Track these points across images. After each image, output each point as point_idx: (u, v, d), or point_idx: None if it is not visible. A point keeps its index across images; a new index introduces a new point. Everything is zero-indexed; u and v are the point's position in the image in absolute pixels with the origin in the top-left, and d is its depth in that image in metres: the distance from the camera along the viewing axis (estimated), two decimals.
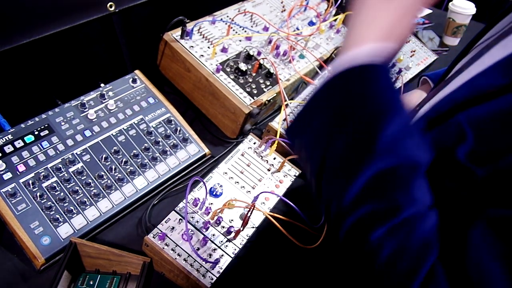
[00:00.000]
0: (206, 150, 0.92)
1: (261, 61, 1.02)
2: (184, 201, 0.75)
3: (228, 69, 0.97)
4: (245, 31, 1.08)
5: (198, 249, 0.72)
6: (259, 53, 1.03)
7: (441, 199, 0.45)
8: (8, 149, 0.76)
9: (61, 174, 0.76)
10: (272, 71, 1.01)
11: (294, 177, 0.90)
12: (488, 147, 0.42)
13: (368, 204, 0.42)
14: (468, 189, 0.44)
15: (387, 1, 0.45)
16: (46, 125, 0.81)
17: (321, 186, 0.45)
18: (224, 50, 1.00)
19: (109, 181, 0.78)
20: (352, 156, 0.42)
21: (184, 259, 0.70)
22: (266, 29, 1.11)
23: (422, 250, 0.41)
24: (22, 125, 0.80)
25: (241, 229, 0.75)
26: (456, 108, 0.48)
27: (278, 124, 0.92)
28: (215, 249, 0.73)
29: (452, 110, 0.48)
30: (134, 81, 0.94)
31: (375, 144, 0.40)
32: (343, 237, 0.44)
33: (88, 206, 0.75)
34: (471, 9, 1.45)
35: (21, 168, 0.75)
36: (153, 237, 0.70)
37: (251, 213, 0.74)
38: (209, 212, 0.77)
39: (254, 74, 0.99)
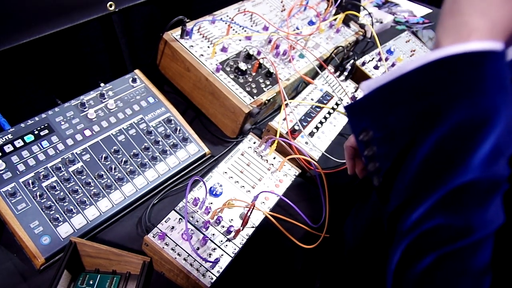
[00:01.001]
0: (206, 150, 0.92)
1: (261, 61, 1.02)
2: (184, 200, 0.75)
3: (228, 69, 0.97)
4: (245, 31, 1.08)
5: (198, 248, 0.72)
6: (259, 53, 1.03)
7: None
8: (8, 148, 0.76)
9: (61, 174, 0.76)
10: (272, 70, 1.01)
11: (294, 177, 0.90)
12: None
13: (441, 218, 0.37)
14: None
15: None
16: (46, 125, 0.81)
17: (390, 187, 0.41)
18: (224, 49, 1.00)
19: (109, 181, 0.78)
20: (439, 161, 0.37)
21: (184, 259, 0.70)
22: (266, 28, 1.11)
23: (482, 275, 0.38)
24: (22, 125, 0.80)
25: (241, 228, 0.75)
26: None
27: (278, 123, 0.92)
28: (215, 249, 0.73)
29: None
30: (134, 80, 0.94)
31: (471, 156, 0.36)
32: (402, 251, 0.40)
33: (88, 206, 0.75)
34: None
35: (21, 167, 0.75)
36: (153, 236, 0.70)
37: (251, 213, 0.74)
38: (209, 212, 0.77)
39: (254, 74, 0.99)
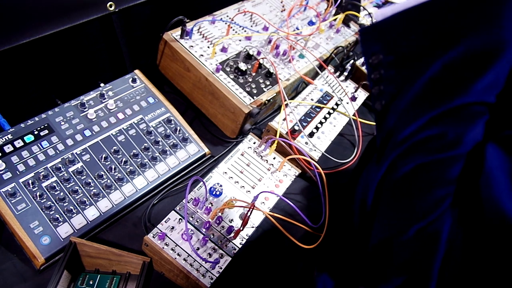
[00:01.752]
0: (206, 150, 0.92)
1: (261, 61, 1.02)
2: (184, 200, 0.75)
3: (228, 69, 0.97)
4: (245, 31, 1.08)
5: (198, 248, 0.72)
6: (258, 53, 1.03)
7: None
8: (8, 148, 0.76)
9: (61, 174, 0.76)
10: (271, 70, 1.01)
11: (294, 177, 0.90)
12: None
13: (435, 129, 0.41)
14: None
15: None
16: (45, 125, 0.81)
17: (391, 105, 0.45)
18: (223, 49, 1.00)
19: (109, 181, 0.78)
20: (445, 83, 0.41)
21: (184, 259, 0.70)
22: (265, 28, 1.11)
23: (450, 186, 0.41)
24: (22, 125, 0.80)
25: (241, 228, 0.75)
26: None
27: (278, 123, 0.92)
28: (215, 249, 0.73)
29: None
30: (133, 80, 0.94)
31: (476, 82, 0.40)
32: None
33: (88, 206, 0.75)
34: None
35: (21, 167, 0.75)
36: (153, 236, 0.70)
37: (251, 213, 0.74)
38: (209, 212, 0.77)
39: (253, 74, 0.99)
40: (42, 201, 0.72)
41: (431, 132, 0.41)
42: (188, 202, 0.77)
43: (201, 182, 0.79)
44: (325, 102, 1.05)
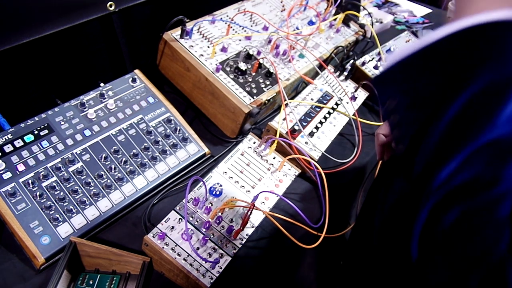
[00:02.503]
0: (206, 150, 0.92)
1: (261, 61, 1.02)
2: (184, 200, 0.75)
3: (228, 69, 0.97)
4: (245, 31, 1.08)
5: (198, 248, 0.72)
6: (258, 53, 1.03)
7: None
8: (8, 148, 0.76)
9: (61, 174, 0.76)
10: (271, 70, 1.01)
11: (294, 177, 0.90)
12: None
13: (470, 172, 0.39)
14: None
15: None
16: (45, 125, 0.81)
17: (416, 152, 0.43)
18: (223, 49, 1.00)
19: (108, 181, 0.78)
20: (468, 121, 0.40)
21: (184, 259, 0.70)
22: (265, 28, 1.11)
23: (504, 226, 0.40)
24: (22, 125, 0.80)
25: (241, 228, 0.75)
26: None
27: (278, 123, 0.92)
28: (215, 249, 0.73)
29: None
30: (133, 80, 0.94)
31: (498, 114, 0.38)
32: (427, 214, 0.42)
33: (88, 206, 0.75)
34: None
35: (21, 167, 0.75)
36: (153, 236, 0.70)
37: (251, 213, 0.74)
38: (209, 212, 0.77)
39: (253, 74, 0.99)
40: (42, 201, 0.72)
41: (465, 175, 0.40)
42: (188, 202, 0.77)
43: (201, 182, 0.79)
44: (325, 102, 1.05)
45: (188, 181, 0.70)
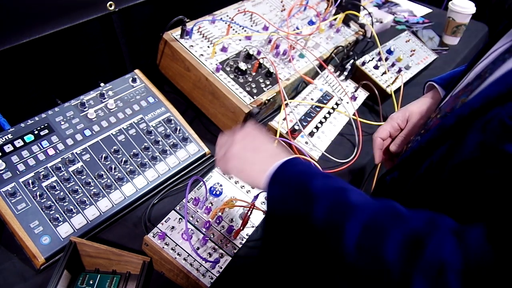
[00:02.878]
0: (206, 150, 0.92)
1: (261, 61, 1.02)
2: (184, 200, 0.75)
3: (228, 69, 0.97)
4: (245, 31, 1.08)
5: (198, 248, 0.72)
6: (259, 53, 1.03)
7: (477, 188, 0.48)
8: (8, 148, 0.76)
9: (61, 174, 0.76)
10: (272, 70, 1.01)
11: None
12: None
13: None
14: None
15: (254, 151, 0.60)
16: (45, 125, 0.81)
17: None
18: (224, 49, 1.00)
19: (109, 181, 0.78)
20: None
21: (184, 259, 0.69)
22: (266, 28, 1.11)
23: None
24: (22, 125, 0.80)
25: (241, 228, 0.75)
26: (491, 104, 0.49)
27: (278, 123, 0.92)
28: (215, 249, 0.73)
29: (487, 106, 0.50)
30: (134, 80, 0.94)
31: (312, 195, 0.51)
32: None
33: (88, 206, 0.75)
34: (471, 8, 1.45)
35: (21, 167, 0.75)
36: (153, 236, 0.70)
37: (251, 213, 0.74)
38: (209, 212, 0.77)
39: (254, 74, 0.99)
40: (42, 201, 0.72)
41: None
42: (188, 202, 0.77)
43: (201, 182, 0.79)
44: (325, 101, 1.05)
45: (188, 181, 0.70)
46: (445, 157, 0.55)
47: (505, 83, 0.50)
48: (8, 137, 0.77)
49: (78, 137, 0.82)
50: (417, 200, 0.61)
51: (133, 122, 0.88)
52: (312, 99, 1.04)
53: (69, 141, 0.81)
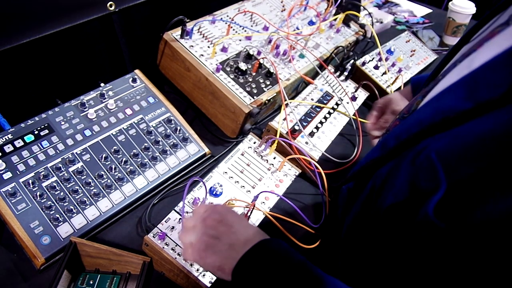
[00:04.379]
0: (206, 150, 0.92)
1: (261, 61, 1.02)
2: (181, 203, 0.75)
3: (228, 69, 0.97)
4: (245, 31, 1.08)
5: None
6: (259, 53, 1.03)
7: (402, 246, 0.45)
8: (8, 148, 0.76)
9: (61, 174, 0.76)
10: (272, 70, 1.01)
11: (294, 177, 0.90)
12: (459, 195, 0.39)
13: None
14: (429, 242, 0.42)
15: (214, 244, 0.54)
16: (46, 125, 0.81)
17: None
18: (224, 49, 1.00)
19: (109, 181, 0.78)
20: None
21: (184, 259, 0.69)
22: (266, 28, 1.11)
23: None
24: (22, 125, 0.80)
25: None
26: (423, 133, 0.46)
27: (278, 123, 0.92)
28: None
29: (420, 134, 0.46)
30: (134, 80, 0.94)
31: None
32: None
33: (88, 206, 0.75)
34: (471, 8, 1.45)
35: (21, 167, 0.75)
36: (153, 236, 0.70)
37: (251, 213, 0.74)
38: None
39: (254, 74, 0.99)
40: (42, 201, 0.72)
41: None
42: (188, 202, 0.77)
43: (201, 182, 0.79)
44: (325, 102, 1.05)
45: (187, 182, 0.70)
46: (382, 187, 0.52)
47: (437, 108, 0.46)
48: (8, 137, 0.77)
49: (78, 137, 0.82)
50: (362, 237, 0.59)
51: (133, 122, 0.88)
52: (312, 99, 1.04)
53: (69, 141, 0.81)
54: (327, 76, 1.11)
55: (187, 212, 0.75)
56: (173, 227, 0.73)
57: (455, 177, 0.39)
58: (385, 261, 0.51)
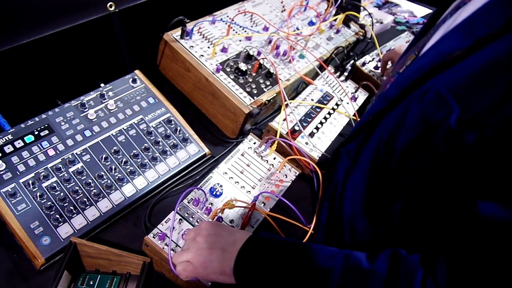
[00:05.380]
0: (206, 150, 0.92)
1: (261, 61, 1.02)
2: (180, 203, 0.75)
3: (228, 69, 0.97)
4: (245, 31, 1.08)
5: None
6: (259, 53, 1.03)
7: (436, 171, 0.47)
8: (8, 149, 0.76)
9: (61, 174, 0.76)
10: (272, 71, 1.01)
11: (294, 177, 0.90)
12: (471, 113, 0.43)
13: None
14: (463, 154, 0.44)
15: (210, 248, 0.61)
16: (46, 125, 0.81)
17: None
18: (224, 50, 1.00)
19: (109, 181, 0.78)
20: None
21: None
22: (266, 29, 1.11)
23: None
24: (22, 125, 0.80)
25: (241, 229, 0.75)
26: (426, 75, 0.49)
27: (278, 124, 0.92)
28: None
29: (423, 77, 0.50)
30: (134, 81, 0.94)
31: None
32: None
33: (88, 206, 0.75)
34: None
35: (21, 168, 0.75)
36: (153, 237, 0.70)
37: (251, 213, 0.74)
38: (209, 212, 0.77)
39: (254, 74, 0.99)
40: (42, 201, 0.72)
41: None
42: (188, 202, 0.77)
43: (202, 182, 0.79)
44: (325, 102, 1.05)
45: (186, 187, 0.70)
46: (392, 133, 0.55)
47: (437, 52, 0.50)
48: (8, 137, 0.77)
49: (78, 137, 0.82)
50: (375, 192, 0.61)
51: (133, 122, 0.88)
52: (312, 99, 1.04)
53: (69, 142, 0.81)
54: (327, 77, 1.11)
55: (187, 213, 0.76)
56: (173, 228, 0.73)
57: (465, 101, 0.43)
58: (405, 213, 0.54)
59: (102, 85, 0.91)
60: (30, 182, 0.73)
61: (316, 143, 0.95)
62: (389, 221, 0.56)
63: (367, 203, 0.61)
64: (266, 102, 0.96)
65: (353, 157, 0.69)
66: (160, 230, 0.71)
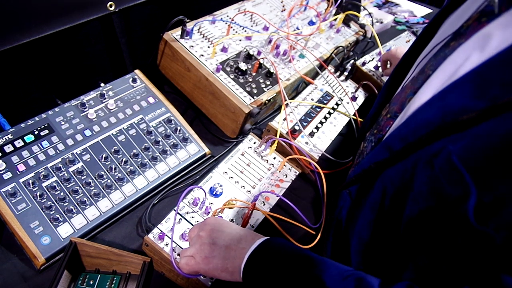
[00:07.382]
0: (206, 150, 0.92)
1: (261, 61, 1.02)
2: (179, 204, 0.75)
3: (228, 69, 0.97)
4: (245, 31, 1.08)
5: None
6: (259, 53, 1.03)
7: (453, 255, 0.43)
8: (8, 148, 0.76)
9: (61, 174, 0.76)
10: (272, 70, 1.01)
11: (294, 177, 0.90)
12: (492, 196, 0.37)
13: None
14: (488, 250, 0.39)
15: (212, 248, 0.60)
16: (46, 125, 0.81)
17: None
18: (224, 49, 1.00)
19: (109, 181, 0.78)
20: None
21: None
22: (266, 28, 1.11)
23: None
24: (22, 125, 0.80)
25: None
26: (435, 134, 0.45)
27: (278, 123, 0.92)
28: None
29: (431, 136, 0.45)
30: (134, 80, 0.94)
31: None
32: None
33: (88, 206, 0.75)
34: None
35: (21, 167, 0.75)
36: (153, 236, 0.70)
37: (251, 213, 0.74)
38: (209, 212, 0.77)
39: (254, 74, 0.99)
40: (42, 201, 0.72)
41: None
42: (188, 202, 0.77)
43: (201, 183, 0.79)
44: (325, 102, 1.05)
45: (186, 187, 0.70)
46: (397, 192, 0.51)
47: (443, 107, 0.45)
48: (8, 137, 0.77)
49: (78, 137, 0.82)
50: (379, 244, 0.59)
51: (133, 122, 0.88)
52: (312, 99, 1.04)
53: (69, 141, 0.81)
54: (327, 76, 1.11)
55: (187, 213, 0.76)
56: (173, 228, 0.73)
57: (484, 180, 0.38)
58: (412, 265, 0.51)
59: (102, 84, 0.91)
60: (30, 181, 0.73)
61: (316, 143, 0.95)
62: (401, 272, 0.53)
63: (374, 255, 0.60)
64: (266, 101, 0.95)
65: (355, 198, 0.68)
66: (160, 230, 0.71)
